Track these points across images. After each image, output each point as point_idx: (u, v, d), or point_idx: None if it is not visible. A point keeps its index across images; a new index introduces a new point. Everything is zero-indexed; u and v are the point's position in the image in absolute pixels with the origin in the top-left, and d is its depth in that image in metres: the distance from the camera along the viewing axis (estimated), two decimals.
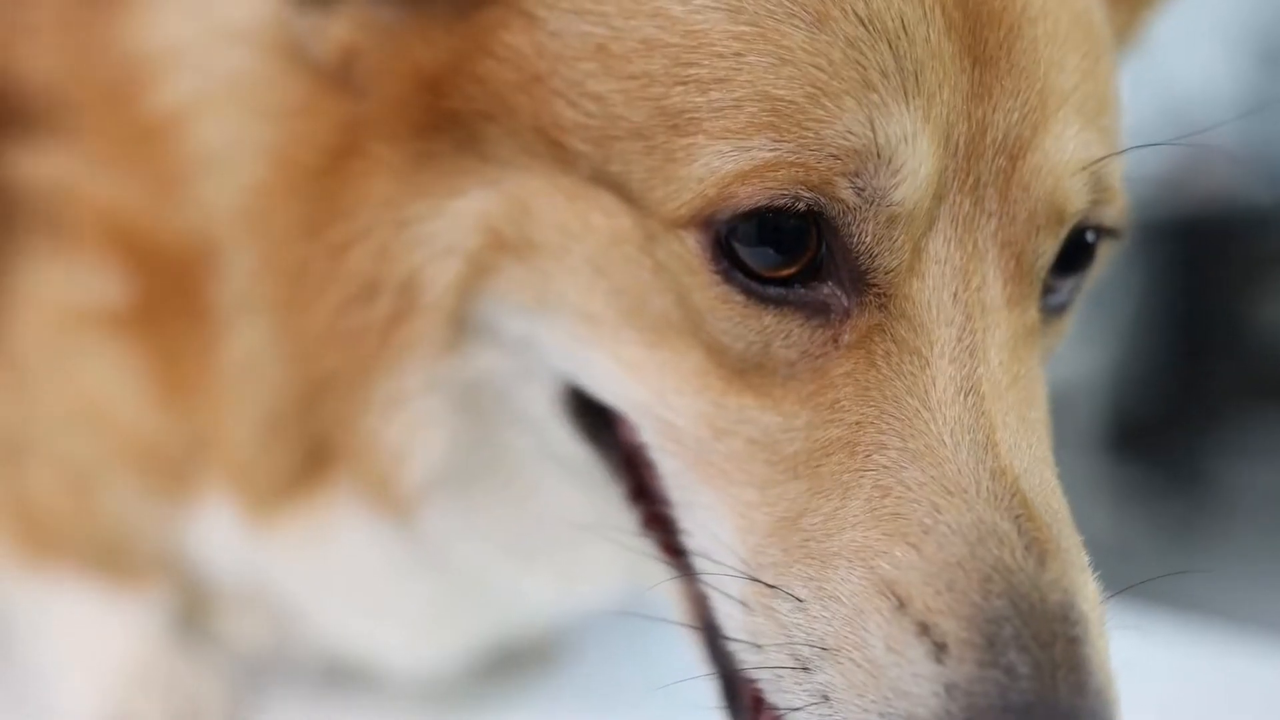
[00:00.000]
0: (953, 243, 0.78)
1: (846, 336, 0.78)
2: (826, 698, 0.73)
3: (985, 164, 0.78)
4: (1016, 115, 0.78)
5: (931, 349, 0.76)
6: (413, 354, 0.92)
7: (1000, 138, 0.78)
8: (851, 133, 0.74)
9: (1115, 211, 0.85)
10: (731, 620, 0.80)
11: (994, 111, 0.78)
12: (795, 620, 0.75)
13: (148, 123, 1.03)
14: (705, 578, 0.82)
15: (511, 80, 0.84)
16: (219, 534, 1.08)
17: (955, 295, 0.77)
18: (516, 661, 1.25)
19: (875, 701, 0.71)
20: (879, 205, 0.76)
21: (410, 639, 1.15)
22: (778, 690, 0.76)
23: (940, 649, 0.70)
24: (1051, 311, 0.86)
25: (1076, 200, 0.81)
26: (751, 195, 0.75)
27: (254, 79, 0.99)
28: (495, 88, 0.85)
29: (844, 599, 0.73)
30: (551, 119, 0.83)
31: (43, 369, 1.09)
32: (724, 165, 0.75)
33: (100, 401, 1.07)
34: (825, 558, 0.75)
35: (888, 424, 0.75)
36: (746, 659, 0.79)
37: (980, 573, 0.71)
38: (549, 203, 0.84)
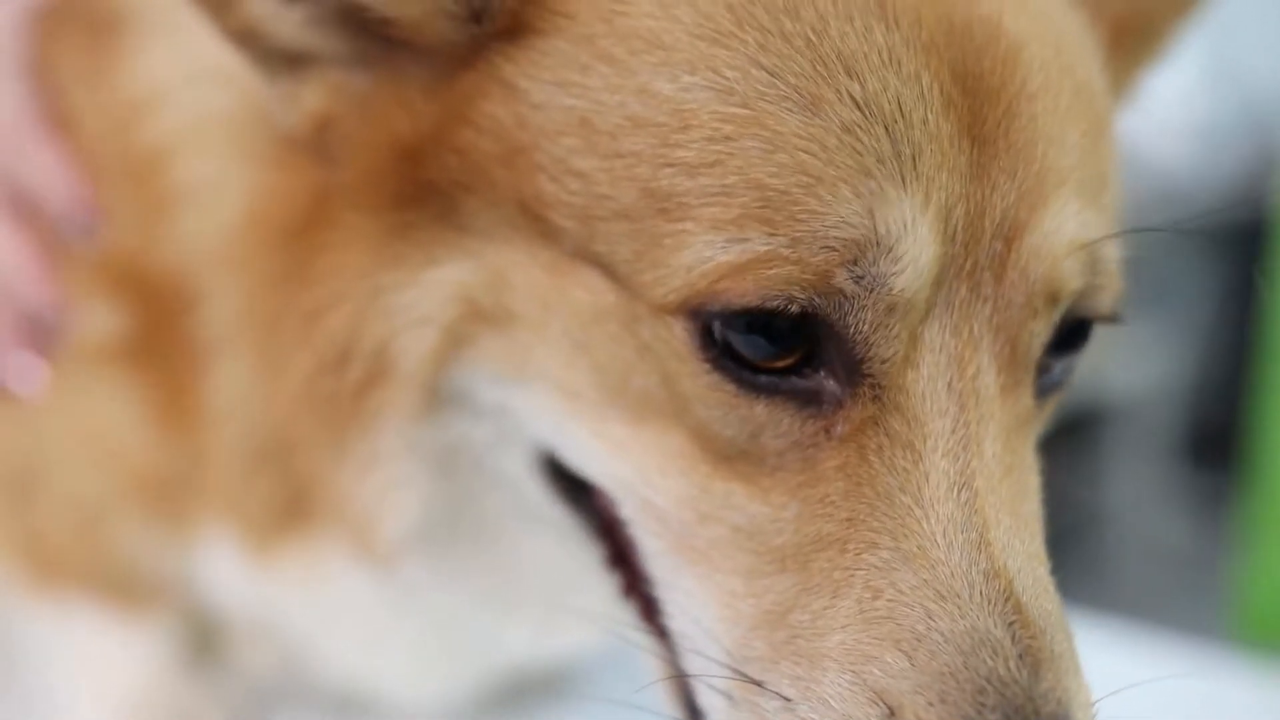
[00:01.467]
0: (948, 330, 0.76)
1: (839, 428, 0.76)
2: None
3: (982, 248, 0.76)
4: (1014, 196, 0.76)
5: (925, 443, 0.75)
6: (385, 420, 0.91)
7: (998, 220, 0.76)
8: (848, 223, 0.72)
9: (1111, 297, 0.83)
10: (715, 711, 0.79)
11: (992, 193, 0.76)
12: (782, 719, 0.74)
13: (136, 159, 1.02)
14: (686, 663, 0.81)
15: (491, 152, 0.82)
16: (221, 566, 1.08)
17: (950, 385, 0.76)
18: (528, 693, 1.25)
19: None
20: (878, 294, 0.73)
21: (409, 674, 1.15)
22: None
23: None
24: (1043, 393, 0.84)
25: (1072, 281, 0.79)
26: (743, 294, 0.73)
27: (234, 119, 0.97)
28: (475, 159, 0.82)
29: (833, 703, 0.72)
30: (533, 193, 0.80)
31: (45, 402, 1.10)
32: (716, 255, 0.73)
33: (101, 432, 1.07)
34: (814, 658, 0.73)
35: (880, 522, 0.74)
36: None
37: (973, 684, 0.69)
38: (528, 275, 0.82)
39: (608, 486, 0.85)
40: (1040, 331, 0.79)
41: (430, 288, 0.86)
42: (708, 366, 0.76)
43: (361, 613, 1.07)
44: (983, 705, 0.69)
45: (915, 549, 0.73)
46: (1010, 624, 0.71)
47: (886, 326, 0.74)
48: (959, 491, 0.74)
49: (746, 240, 0.72)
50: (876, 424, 0.75)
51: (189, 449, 1.04)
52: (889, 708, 0.70)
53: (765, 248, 0.72)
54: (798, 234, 0.72)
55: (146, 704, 1.18)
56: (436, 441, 0.93)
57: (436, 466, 0.94)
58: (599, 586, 0.95)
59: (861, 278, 0.73)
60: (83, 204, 1.04)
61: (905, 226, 0.73)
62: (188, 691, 1.20)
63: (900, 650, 0.71)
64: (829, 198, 0.72)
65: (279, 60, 0.89)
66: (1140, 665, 0.77)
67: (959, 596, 0.71)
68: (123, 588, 1.16)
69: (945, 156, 0.74)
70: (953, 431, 0.75)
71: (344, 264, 0.88)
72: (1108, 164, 0.84)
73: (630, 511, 0.84)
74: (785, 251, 0.72)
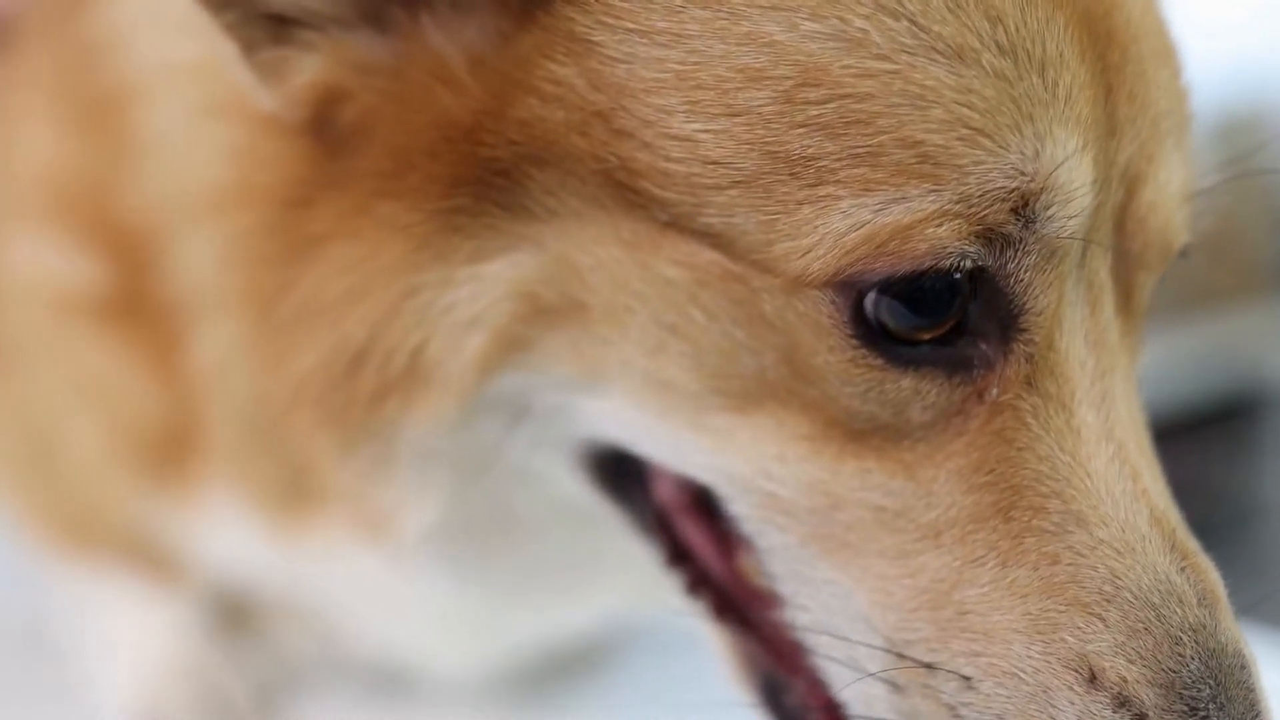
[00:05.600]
0: (1082, 283, 0.74)
1: (993, 391, 0.72)
2: None
3: (1109, 195, 0.74)
4: (1135, 145, 0.75)
5: (1073, 398, 0.73)
6: (405, 429, 0.82)
7: (1122, 169, 0.74)
8: (1020, 170, 0.68)
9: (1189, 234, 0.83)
10: (873, 701, 0.75)
11: (1118, 140, 0.74)
12: (964, 700, 0.71)
13: (99, 99, 0.95)
14: (829, 655, 0.77)
15: (563, 121, 0.73)
16: (234, 536, 1.02)
17: (1086, 337, 0.74)
18: (564, 670, 1.19)
19: None
20: (1046, 237, 0.70)
21: (433, 647, 1.10)
22: None
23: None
24: None
25: (1182, 234, 0.79)
26: (915, 256, 0.68)
27: (206, 71, 0.87)
28: (543, 130, 0.73)
29: (1025, 676, 0.70)
30: (620, 163, 0.72)
31: (29, 353, 1.06)
32: (875, 218, 0.68)
33: (92, 385, 1.03)
34: (992, 633, 0.70)
35: (1046, 485, 0.71)
36: None
37: (1170, 636, 0.69)
38: (605, 255, 0.74)
39: (716, 483, 0.78)
40: (1150, 282, 0.79)
41: (480, 285, 0.77)
42: (855, 341, 0.71)
43: (380, 591, 1.01)
44: (1181, 656, 0.69)
45: (1086, 508, 0.71)
46: (1183, 569, 0.71)
47: (1045, 273, 0.71)
48: (1107, 444, 0.73)
49: (906, 200, 0.67)
50: (1030, 384, 0.73)
51: (179, 406, 0.98)
52: (1090, 672, 0.69)
53: (933, 205, 0.67)
54: (966, 186, 0.68)
55: (175, 674, 1.15)
56: (464, 446, 0.84)
57: (461, 470, 0.86)
58: (631, 578, 0.93)
59: (1032, 221, 0.70)
60: None
61: (1072, 168, 0.70)
62: (217, 664, 1.17)
63: (1091, 614, 0.69)
64: (995, 146, 0.68)
65: (262, 23, 0.77)
66: None
67: (1135, 550, 0.71)
68: (149, 555, 1.13)
69: (1088, 102, 0.72)
70: (1092, 384, 0.74)
71: (370, 256, 0.78)
72: (1189, 107, 0.83)
73: (746, 507, 0.77)
74: (954, 206, 0.67)
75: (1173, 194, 0.77)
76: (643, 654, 1.23)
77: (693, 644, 0.89)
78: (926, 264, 0.68)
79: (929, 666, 0.72)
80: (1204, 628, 0.70)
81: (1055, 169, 0.69)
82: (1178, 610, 0.69)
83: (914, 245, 0.68)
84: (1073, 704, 0.68)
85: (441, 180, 0.76)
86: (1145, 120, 0.75)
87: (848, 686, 0.76)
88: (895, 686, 0.73)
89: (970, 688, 0.71)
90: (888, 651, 0.73)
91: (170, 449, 1.01)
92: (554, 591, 1.01)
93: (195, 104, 0.89)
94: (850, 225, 0.68)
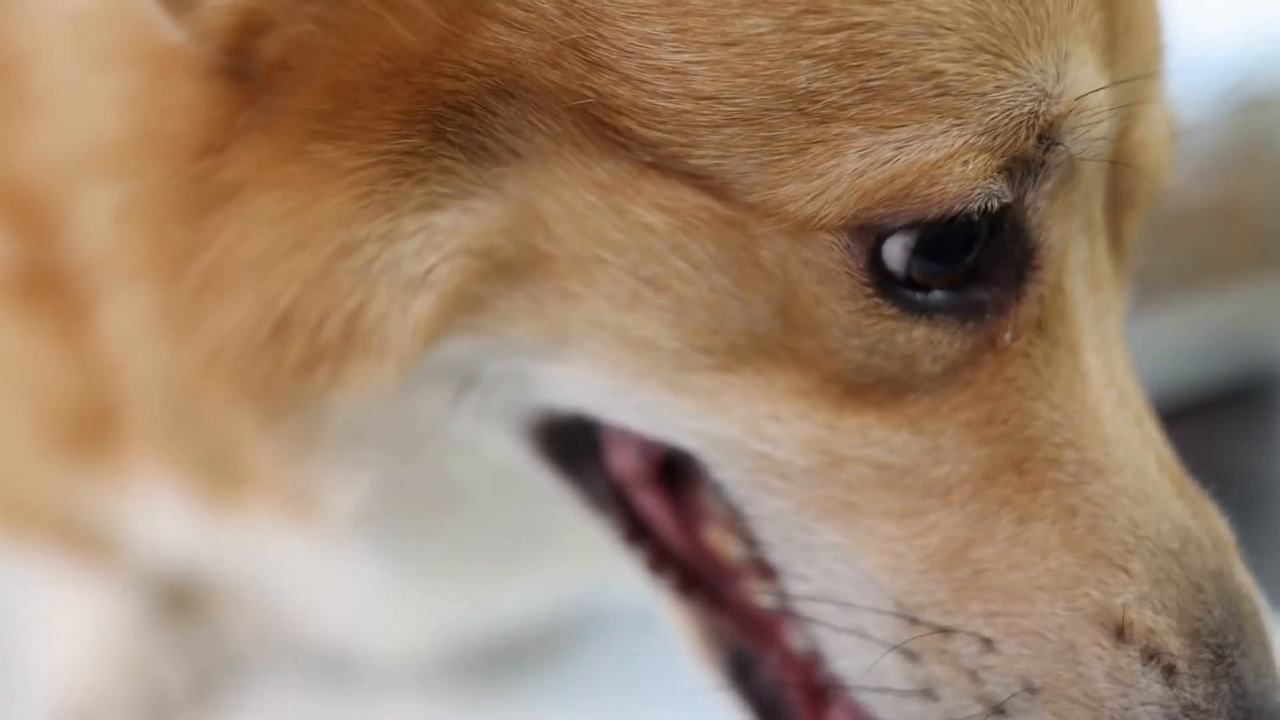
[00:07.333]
0: (1083, 223, 0.71)
1: (1005, 336, 0.69)
2: None
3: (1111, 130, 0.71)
4: (1130, 78, 0.71)
5: (1079, 342, 0.70)
6: (334, 402, 0.74)
7: (1121, 103, 0.71)
8: (1044, 91, 0.65)
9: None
10: (883, 671, 0.70)
11: (1118, 72, 0.70)
12: (985, 663, 0.68)
13: (5, 57, 0.87)
14: (832, 625, 0.72)
15: (530, 50, 0.65)
16: (166, 516, 0.97)
17: (1086, 279, 0.71)
18: (516, 660, 1.13)
19: None
20: (1067, 160, 0.67)
21: (369, 630, 1.05)
22: None
23: (1169, 672, 0.66)
24: None
25: (1170, 175, 0.78)
26: (946, 198, 0.63)
27: (95, 18, 0.78)
28: (508, 61, 0.66)
29: (1050, 634, 0.67)
30: (597, 99, 0.65)
31: None
32: (900, 157, 0.63)
33: (11, 364, 0.98)
34: (1013, 591, 0.68)
35: (1060, 435, 0.69)
36: (906, 710, 0.70)
37: (1191, 583, 0.68)
38: (576, 201, 0.68)
39: (699, 448, 0.73)
40: (1137, 223, 0.77)
41: (430, 237, 0.69)
42: (869, 290, 0.66)
43: (312, 573, 0.96)
44: (1205, 603, 0.67)
45: (1101, 456, 0.69)
46: (1195, 514, 0.70)
47: (1058, 200, 0.68)
48: (1111, 389, 0.71)
49: (929, 136, 0.63)
50: (1040, 328, 0.70)
51: (95, 382, 0.91)
52: (1117, 625, 0.66)
53: (957, 140, 0.63)
54: (992, 115, 0.63)
55: (109, 664, 1.11)
56: (399, 420, 0.77)
57: (393, 446, 0.80)
58: (579, 556, 0.90)
59: (1056, 143, 0.66)
60: None
61: (1094, 85, 0.67)
62: (153, 653, 1.12)
63: (1114, 565, 0.67)
64: (1018, 69, 0.64)
65: None
66: None
67: (1150, 498, 0.69)
68: (85, 540, 1.08)
69: (1100, 26, 0.69)
70: (1093, 327, 0.71)
71: (302, 207, 0.70)
72: (1167, 46, 0.80)
73: (737, 472, 0.72)
74: (979, 140, 0.63)
75: (1162, 132, 0.76)
76: (598, 642, 1.18)
77: (650, 630, 0.86)
78: (956, 208, 0.64)
79: (945, 630, 0.68)
80: (1222, 573, 0.69)
81: (1082, 90, 0.66)
82: (1197, 556, 0.68)
83: (942, 187, 0.63)
84: (1101, 660, 0.66)
85: (393, 118, 0.68)
86: (1139, 56, 0.72)
87: (851, 655, 0.72)
88: (908, 654, 0.69)
89: (991, 650, 0.67)
90: (899, 616, 0.69)
91: (92, 427, 0.95)
92: (495, 572, 0.96)
93: (85, 53, 0.81)
94: (868, 165, 0.63)
